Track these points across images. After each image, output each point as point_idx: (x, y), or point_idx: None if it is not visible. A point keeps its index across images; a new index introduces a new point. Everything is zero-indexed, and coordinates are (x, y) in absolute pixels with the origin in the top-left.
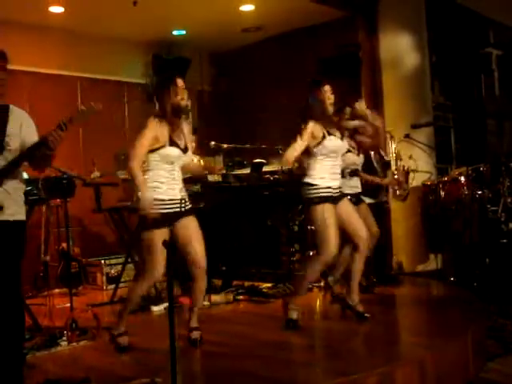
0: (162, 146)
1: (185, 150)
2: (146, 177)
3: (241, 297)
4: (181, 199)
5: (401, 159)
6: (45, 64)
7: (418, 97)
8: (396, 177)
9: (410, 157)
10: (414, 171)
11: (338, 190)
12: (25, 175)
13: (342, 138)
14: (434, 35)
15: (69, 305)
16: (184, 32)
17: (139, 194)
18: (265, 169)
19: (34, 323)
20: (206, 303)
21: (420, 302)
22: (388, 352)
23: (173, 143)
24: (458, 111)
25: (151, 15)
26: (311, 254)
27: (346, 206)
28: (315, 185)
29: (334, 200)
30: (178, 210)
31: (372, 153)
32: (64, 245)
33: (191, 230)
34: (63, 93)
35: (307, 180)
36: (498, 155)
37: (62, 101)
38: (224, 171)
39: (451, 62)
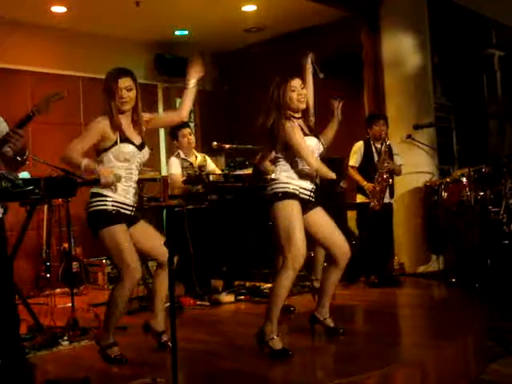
0: (114, 144)
1: (140, 147)
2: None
3: (242, 297)
4: (133, 205)
5: (387, 161)
6: (47, 63)
7: (419, 97)
8: (374, 186)
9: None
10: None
11: (309, 193)
12: (26, 175)
13: (316, 136)
14: (436, 36)
15: (70, 304)
16: (186, 32)
17: (82, 167)
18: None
19: (36, 323)
20: (207, 303)
21: (421, 303)
22: (389, 353)
23: (125, 139)
24: (459, 112)
25: (153, 15)
26: (312, 254)
27: (320, 212)
28: (278, 179)
29: (307, 202)
30: (130, 213)
31: (376, 155)
32: (65, 245)
33: (148, 229)
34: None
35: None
36: (499, 156)
37: (64, 100)
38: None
39: (453, 62)
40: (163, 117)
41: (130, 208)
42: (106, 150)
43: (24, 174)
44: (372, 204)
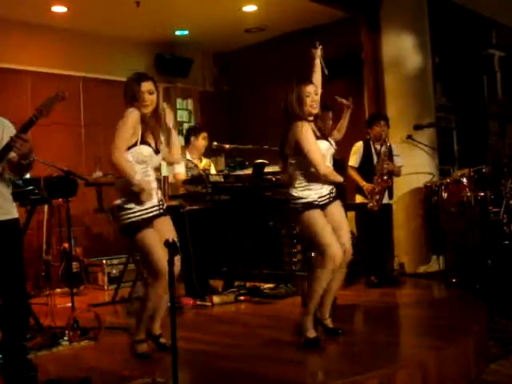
0: (135, 144)
1: (156, 152)
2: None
3: (242, 297)
4: (157, 204)
5: (386, 161)
6: (47, 63)
7: (420, 98)
8: (373, 186)
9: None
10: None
11: (325, 198)
12: (27, 175)
13: (326, 139)
14: (436, 36)
15: (70, 304)
16: (187, 32)
17: (133, 182)
18: (266, 169)
19: (36, 323)
20: (207, 303)
21: (422, 303)
22: (389, 353)
23: (144, 142)
24: (460, 112)
25: (154, 15)
26: (312, 255)
27: (336, 209)
28: (295, 196)
29: (322, 207)
30: (157, 213)
31: (375, 156)
32: (66, 245)
33: (167, 229)
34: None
35: (297, 186)
36: (500, 157)
37: (65, 100)
38: None
39: (454, 63)
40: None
41: (156, 208)
42: (127, 149)
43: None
44: (370, 205)
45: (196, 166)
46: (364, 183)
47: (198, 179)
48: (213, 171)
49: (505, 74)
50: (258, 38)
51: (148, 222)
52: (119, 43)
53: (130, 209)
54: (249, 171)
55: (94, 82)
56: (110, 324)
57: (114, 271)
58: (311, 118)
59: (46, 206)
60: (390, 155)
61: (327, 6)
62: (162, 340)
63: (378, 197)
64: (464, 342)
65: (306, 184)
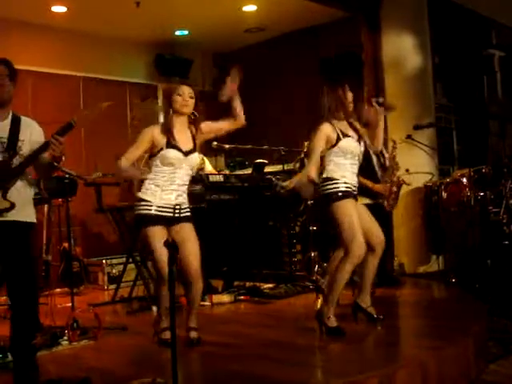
0: (161, 149)
1: (186, 153)
2: (148, 177)
3: (242, 297)
4: (175, 205)
5: (398, 169)
6: (47, 63)
7: (420, 98)
8: (388, 186)
9: (407, 170)
10: (408, 184)
11: (356, 190)
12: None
13: (358, 140)
14: (436, 36)
15: (70, 304)
16: (186, 32)
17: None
18: (266, 169)
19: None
20: (207, 303)
21: (421, 303)
22: (389, 353)
23: (171, 145)
24: (460, 112)
25: (154, 15)
26: (312, 255)
27: (360, 206)
28: (335, 179)
29: (355, 197)
30: (171, 215)
31: (373, 155)
32: (65, 244)
33: (184, 233)
34: (66, 92)
35: (326, 175)
36: (500, 157)
37: (65, 100)
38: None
39: (453, 63)
40: (223, 124)
41: (171, 210)
42: (155, 155)
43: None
44: (386, 204)
45: None
46: (377, 186)
47: (197, 179)
48: (208, 167)
49: (505, 74)
50: (257, 38)
51: (158, 219)
52: (119, 43)
53: (145, 201)
54: (249, 171)
55: (94, 82)
56: (110, 324)
57: (114, 271)
58: (352, 120)
59: (45, 206)
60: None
61: (327, 5)
62: (192, 334)
63: (394, 196)
64: (464, 342)
65: (343, 172)
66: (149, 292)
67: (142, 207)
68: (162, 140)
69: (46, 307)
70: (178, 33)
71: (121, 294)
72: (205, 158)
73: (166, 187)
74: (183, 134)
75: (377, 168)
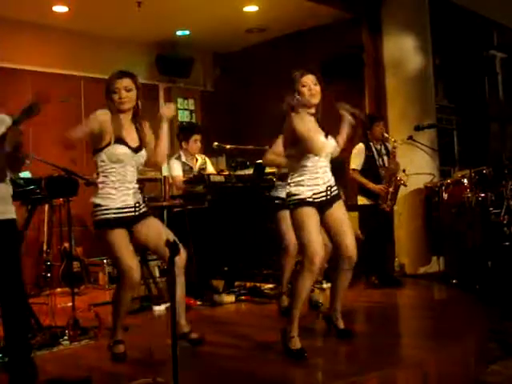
0: (108, 144)
1: (135, 150)
2: (99, 181)
3: (243, 297)
4: (135, 204)
5: (398, 169)
6: (48, 63)
7: (421, 99)
8: (384, 186)
9: (404, 170)
10: (405, 185)
11: (321, 196)
12: (27, 174)
13: (326, 136)
14: (437, 37)
15: (70, 304)
16: (188, 32)
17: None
18: (267, 170)
19: (36, 322)
20: (208, 304)
21: (422, 304)
22: (389, 354)
23: (119, 141)
24: (461, 114)
25: (155, 15)
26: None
27: (338, 210)
28: (291, 192)
29: (319, 204)
30: (132, 214)
31: (377, 156)
32: (66, 244)
33: (155, 228)
34: (66, 92)
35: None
36: (500, 158)
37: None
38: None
39: (455, 64)
40: (151, 148)
41: (132, 209)
42: (101, 149)
43: (25, 174)
44: (383, 205)
45: (191, 168)
46: (373, 185)
47: (198, 179)
48: (209, 167)
49: (506, 76)
50: (259, 38)
51: (119, 222)
52: (120, 43)
53: (103, 206)
54: (250, 171)
55: (95, 82)
56: (111, 324)
57: (115, 271)
58: (311, 111)
59: (46, 206)
60: (387, 154)
61: (328, 6)
62: (193, 335)
63: (391, 197)
64: (464, 343)
65: (299, 179)
66: (149, 291)
67: (99, 212)
68: (110, 130)
69: (46, 307)
70: (179, 33)
71: None
72: (207, 159)
73: (122, 187)
74: (128, 129)
75: (380, 168)
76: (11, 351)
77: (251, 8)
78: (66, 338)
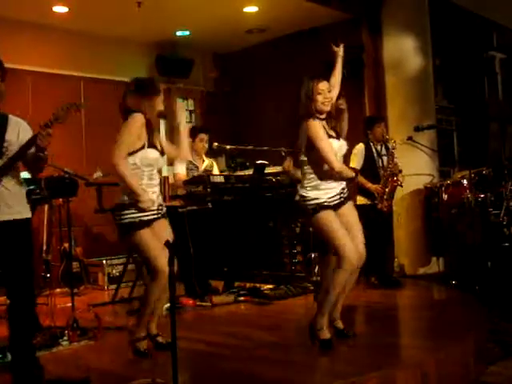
0: (142, 147)
1: (162, 153)
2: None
3: (242, 298)
4: (158, 207)
5: (397, 169)
6: (48, 63)
7: (421, 99)
8: (380, 186)
9: (400, 171)
10: (401, 186)
11: (336, 198)
12: (27, 175)
13: (338, 137)
14: (437, 38)
15: (70, 304)
16: (187, 33)
17: (137, 196)
18: (267, 170)
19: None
20: (207, 304)
21: (421, 304)
22: (389, 355)
23: (151, 145)
24: (460, 114)
25: (155, 16)
26: (313, 256)
27: (349, 211)
28: (307, 197)
29: (335, 207)
30: (156, 216)
31: (377, 156)
32: (66, 244)
33: (164, 231)
34: (66, 92)
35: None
36: (500, 159)
37: (65, 100)
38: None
39: (455, 65)
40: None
41: (155, 211)
42: (134, 152)
43: (25, 174)
44: (380, 206)
45: (197, 167)
46: (371, 185)
47: (199, 179)
48: (215, 171)
49: (506, 76)
50: (258, 38)
51: (146, 224)
52: (120, 43)
53: (130, 210)
54: (250, 172)
55: (95, 83)
56: (110, 324)
57: (114, 271)
58: (323, 116)
59: (46, 206)
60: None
61: (328, 7)
62: (160, 339)
63: (387, 197)
64: (464, 344)
65: (316, 183)
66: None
67: (127, 215)
68: (144, 136)
69: (46, 307)
70: (179, 33)
71: (121, 294)
72: (214, 163)
73: (148, 189)
74: (154, 134)
75: (379, 169)
76: (17, 352)
77: (251, 8)
78: (65, 338)
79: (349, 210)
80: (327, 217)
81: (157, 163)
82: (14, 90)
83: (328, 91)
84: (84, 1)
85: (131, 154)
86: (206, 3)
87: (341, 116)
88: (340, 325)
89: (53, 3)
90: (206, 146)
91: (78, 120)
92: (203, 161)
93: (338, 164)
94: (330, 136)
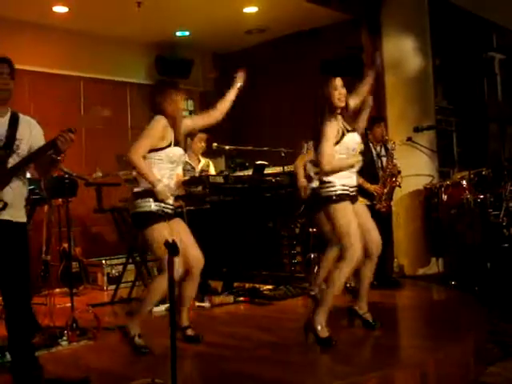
0: (168, 146)
1: (185, 151)
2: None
3: (242, 298)
4: (173, 203)
5: (396, 170)
6: (48, 63)
7: (420, 100)
8: (379, 186)
9: (399, 172)
10: (400, 187)
11: (354, 189)
12: (27, 175)
13: (353, 131)
14: (437, 39)
15: (69, 304)
16: (187, 33)
17: (151, 183)
18: (267, 171)
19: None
20: (207, 304)
21: (421, 305)
22: (388, 355)
23: (176, 142)
24: (460, 115)
25: (155, 16)
26: (312, 256)
27: (361, 207)
28: (331, 182)
29: (352, 199)
30: (171, 212)
31: (376, 157)
32: (65, 245)
33: (182, 229)
34: (66, 92)
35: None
36: (500, 159)
37: (65, 100)
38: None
39: (454, 65)
40: (201, 119)
41: (171, 206)
42: (160, 149)
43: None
44: (378, 206)
45: (193, 168)
46: (369, 185)
47: (198, 180)
48: (212, 171)
49: (505, 77)
50: (258, 39)
51: (161, 217)
52: (120, 44)
53: (148, 199)
54: (249, 172)
55: (95, 83)
56: (109, 324)
57: (114, 271)
58: (339, 111)
59: (45, 206)
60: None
61: (328, 8)
62: (189, 331)
63: (386, 198)
64: (463, 344)
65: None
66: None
67: (146, 203)
68: (170, 134)
69: (45, 307)
70: (178, 33)
71: (120, 294)
72: (210, 163)
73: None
74: (179, 133)
75: (378, 170)
76: (16, 352)
77: (251, 9)
78: (64, 338)
79: (360, 205)
80: (347, 207)
81: (180, 160)
82: (14, 90)
83: (342, 87)
84: (84, 1)
85: (157, 150)
86: (206, 3)
87: (361, 113)
88: (369, 317)
89: (53, 3)
90: (205, 146)
91: (78, 120)
92: (199, 161)
93: (328, 166)
94: (348, 131)
